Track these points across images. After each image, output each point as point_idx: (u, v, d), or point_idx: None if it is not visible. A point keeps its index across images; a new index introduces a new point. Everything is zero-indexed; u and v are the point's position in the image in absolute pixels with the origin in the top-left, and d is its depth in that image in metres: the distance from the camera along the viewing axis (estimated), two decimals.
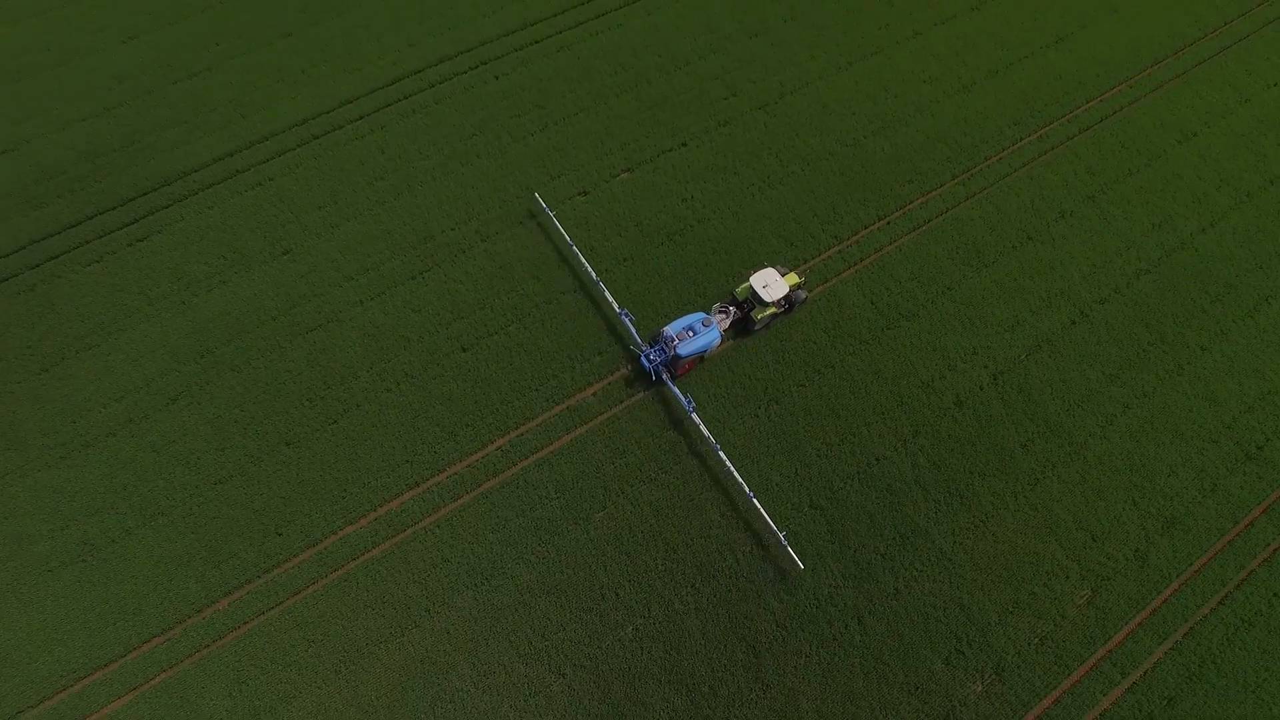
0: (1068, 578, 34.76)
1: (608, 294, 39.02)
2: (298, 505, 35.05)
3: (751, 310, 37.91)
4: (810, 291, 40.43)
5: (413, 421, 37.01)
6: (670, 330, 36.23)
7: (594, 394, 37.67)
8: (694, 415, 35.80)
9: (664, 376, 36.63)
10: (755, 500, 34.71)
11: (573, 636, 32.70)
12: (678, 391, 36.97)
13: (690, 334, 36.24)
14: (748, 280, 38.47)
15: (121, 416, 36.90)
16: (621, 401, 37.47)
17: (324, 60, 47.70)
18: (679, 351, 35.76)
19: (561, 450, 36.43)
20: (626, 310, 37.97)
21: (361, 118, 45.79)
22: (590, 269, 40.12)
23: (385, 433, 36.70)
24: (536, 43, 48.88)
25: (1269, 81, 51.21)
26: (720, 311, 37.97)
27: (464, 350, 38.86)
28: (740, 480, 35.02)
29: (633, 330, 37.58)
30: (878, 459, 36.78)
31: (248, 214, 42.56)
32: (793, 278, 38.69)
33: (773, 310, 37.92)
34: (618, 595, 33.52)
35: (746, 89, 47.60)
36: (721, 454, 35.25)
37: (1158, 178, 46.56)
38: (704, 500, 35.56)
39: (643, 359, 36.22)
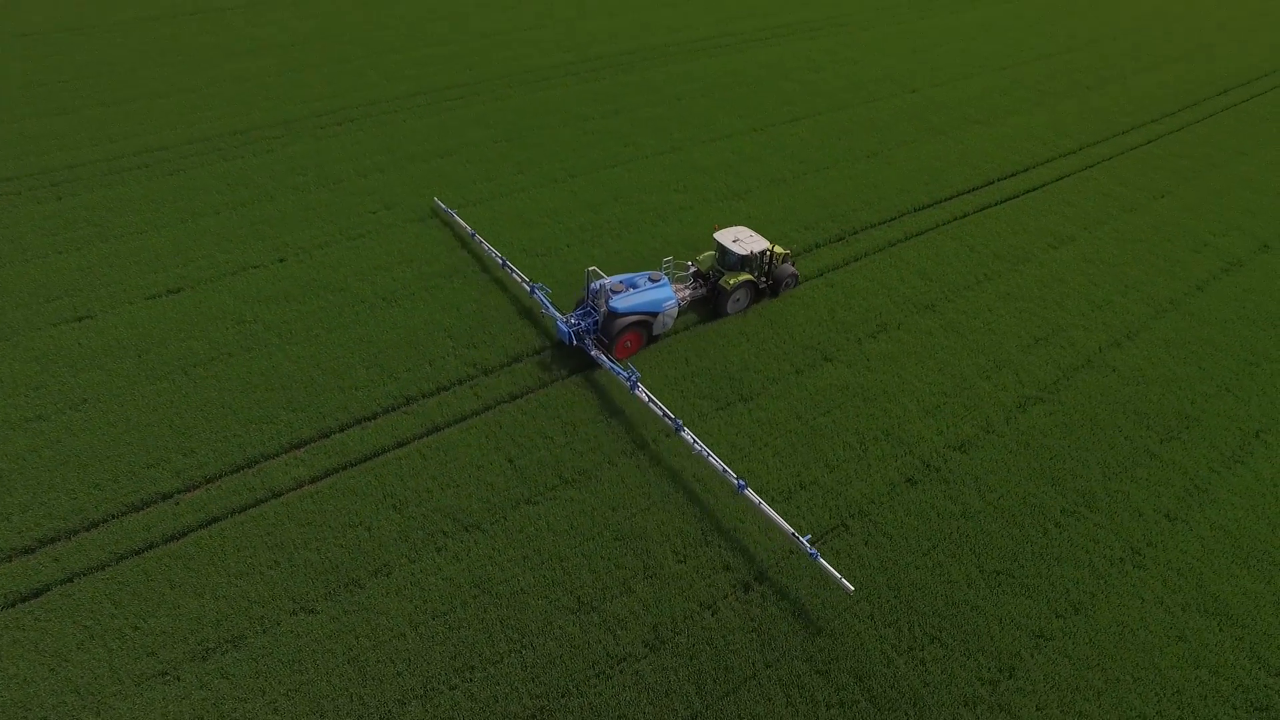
0: None
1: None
2: None
3: (720, 279, 27.32)
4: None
5: None
6: (603, 283, 25.08)
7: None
8: (640, 392, 23.12)
9: (592, 349, 24.45)
10: (750, 492, 19.74)
11: None
12: (612, 364, 23.60)
13: (630, 291, 25.20)
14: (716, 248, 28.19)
15: None
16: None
17: None
18: (614, 307, 24.36)
19: None
20: (540, 285, 27.01)
21: None
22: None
23: None
24: (146, 166, 35.57)
25: (1153, 194, 38.11)
26: (677, 277, 28.35)
27: None
28: (722, 466, 20.21)
29: (548, 304, 25.98)
30: None
31: None
32: (778, 247, 28.59)
33: (747, 277, 27.35)
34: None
35: (406, 202, 33.04)
36: (687, 434, 21.48)
37: (1030, 282, 30.56)
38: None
39: (560, 325, 24.98)
